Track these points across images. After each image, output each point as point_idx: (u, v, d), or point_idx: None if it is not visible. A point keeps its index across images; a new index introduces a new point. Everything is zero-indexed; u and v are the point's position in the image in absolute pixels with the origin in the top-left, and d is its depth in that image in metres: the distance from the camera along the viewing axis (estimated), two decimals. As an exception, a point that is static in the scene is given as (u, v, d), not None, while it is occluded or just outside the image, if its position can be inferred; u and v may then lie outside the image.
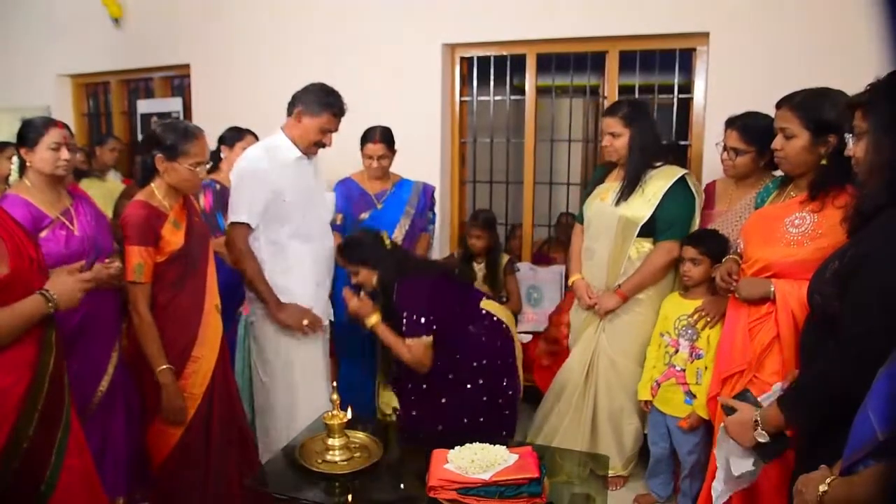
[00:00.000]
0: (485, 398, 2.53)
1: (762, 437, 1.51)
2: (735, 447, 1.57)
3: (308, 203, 2.57)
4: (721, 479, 1.67)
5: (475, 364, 2.52)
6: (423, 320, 2.44)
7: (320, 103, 2.45)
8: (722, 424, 1.63)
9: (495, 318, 2.60)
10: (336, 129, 2.54)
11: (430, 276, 2.59)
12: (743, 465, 1.57)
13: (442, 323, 2.48)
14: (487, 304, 2.66)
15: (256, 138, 3.17)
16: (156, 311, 2.16)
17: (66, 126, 2.27)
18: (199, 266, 2.27)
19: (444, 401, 2.53)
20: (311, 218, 2.59)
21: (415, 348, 2.44)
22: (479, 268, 3.52)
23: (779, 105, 1.96)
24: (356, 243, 2.58)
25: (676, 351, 2.51)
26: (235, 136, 3.19)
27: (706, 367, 2.39)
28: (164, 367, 2.15)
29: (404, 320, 2.45)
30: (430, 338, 2.46)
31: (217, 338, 2.33)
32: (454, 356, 2.51)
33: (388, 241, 2.59)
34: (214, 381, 2.29)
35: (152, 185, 2.21)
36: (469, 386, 2.52)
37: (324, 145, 2.53)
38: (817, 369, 1.47)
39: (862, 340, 1.32)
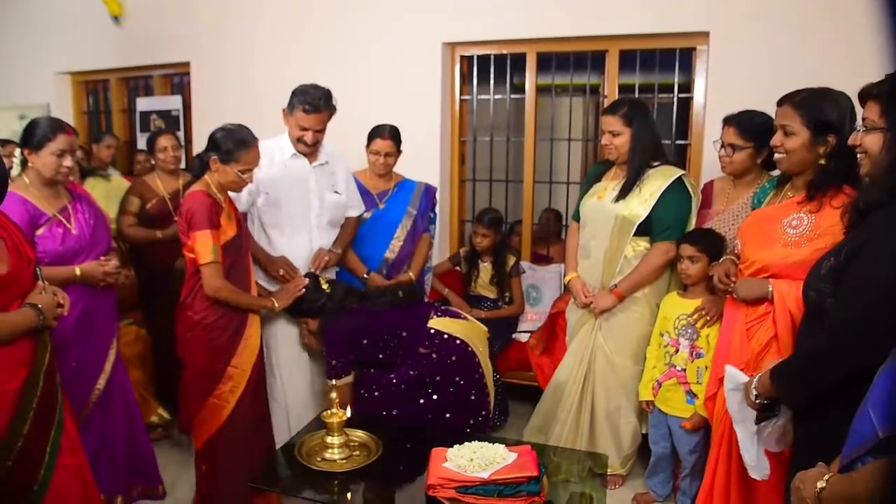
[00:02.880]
0: (448, 414, 2.57)
1: (753, 397, 1.63)
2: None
3: (293, 199, 2.65)
4: (749, 452, 1.74)
5: (438, 378, 2.56)
6: (333, 362, 2.54)
7: (294, 101, 2.58)
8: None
9: (446, 336, 2.61)
10: (316, 126, 2.58)
11: (358, 316, 2.60)
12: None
13: (383, 351, 2.57)
14: (438, 323, 2.65)
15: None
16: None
17: (74, 131, 2.27)
18: (245, 255, 2.46)
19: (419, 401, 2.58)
20: (295, 214, 2.67)
21: (338, 389, 2.54)
22: (485, 267, 3.54)
23: (780, 102, 1.96)
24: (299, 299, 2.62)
25: (677, 351, 2.51)
26: None
27: (706, 367, 2.39)
28: (267, 298, 2.49)
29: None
30: (348, 377, 2.56)
31: (258, 317, 2.48)
32: (410, 372, 2.56)
33: (325, 285, 2.63)
34: (260, 355, 2.47)
35: (207, 177, 2.34)
36: (435, 396, 2.55)
37: (306, 143, 2.61)
38: (805, 348, 1.55)
39: (848, 326, 1.35)
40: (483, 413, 2.64)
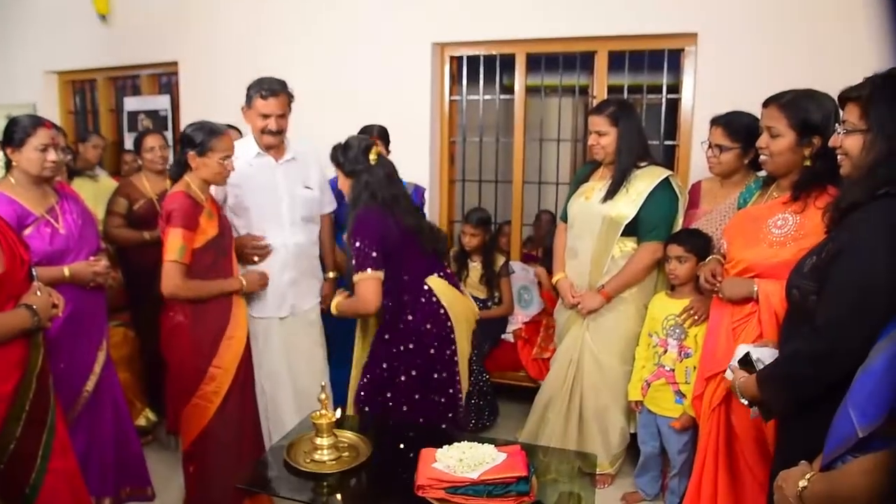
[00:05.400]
0: (417, 395, 2.44)
1: (744, 402, 1.62)
2: None
3: (264, 198, 2.65)
4: None
5: (411, 345, 2.41)
6: (374, 254, 2.31)
7: (249, 93, 2.61)
8: None
9: (434, 299, 2.43)
10: (277, 111, 2.58)
11: (386, 220, 2.38)
12: None
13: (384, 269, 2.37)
14: (434, 282, 2.47)
15: (239, 132, 3.17)
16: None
17: (54, 126, 2.26)
18: (227, 252, 2.44)
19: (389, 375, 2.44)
20: (265, 213, 2.66)
21: (363, 284, 2.32)
22: (475, 267, 3.54)
23: (766, 104, 1.98)
24: (344, 146, 2.46)
25: (665, 351, 2.53)
26: None
27: (695, 367, 2.40)
28: (235, 279, 2.42)
29: (354, 252, 2.33)
30: (381, 273, 2.33)
31: (244, 317, 2.47)
32: (385, 336, 2.43)
33: (374, 155, 2.42)
34: (246, 355, 2.44)
35: (186, 177, 2.35)
36: (406, 377, 2.42)
37: (271, 131, 2.61)
38: (790, 350, 1.54)
39: (832, 327, 1.36)
40: (453, 399, 2.50)
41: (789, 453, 1.34)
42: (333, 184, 3.01)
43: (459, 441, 1.94)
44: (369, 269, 2.31)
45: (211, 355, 2.33)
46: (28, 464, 1.69)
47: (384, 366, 2.45)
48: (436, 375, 2.45)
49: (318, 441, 2.01)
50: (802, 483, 1.13)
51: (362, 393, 2.49)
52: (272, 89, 2.56)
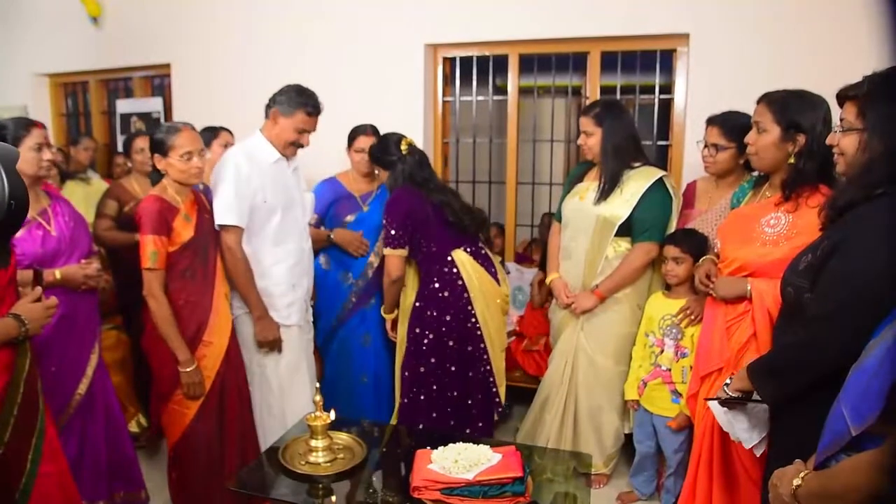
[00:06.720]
0: (454, 367, 2.69)
1: (723, 395, 1.68)
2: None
3: (286, 205, 2.58)
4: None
5: (434, 312, 2.68)
6: (392, 232, 2.67)
7: (293, 102, 2.49)
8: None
9: (455, 270, 2.71)
10: (312, 129, 2.56)
11: (421, 201, 2.71)
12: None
13: (412, 244, 2.71)
14: (460, 256, 2.72)
15: (231, 134, 3.15)
16: (169, 297, 2.29)
17: (42, 125, 2.25)
18: (209, 257, 2.39)
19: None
20: (289, 220, 2.60)
21: (388, 259, 2.71)
22: None
23: (759, 100, 2.01)
24: (379, 142, 2.85)
25: (662, 351, 2.53)
26: (210, 136, 3.14)
27: (691, 366, 2.41)
28: (189, 359, 2.28)
29: (384, 228, 2.73)
30: (403, 251, 2.69)
31: (227, 324, 2.42)
32: (416, 330, 2.72)
33: (405, 146, 2.76)
34: (228, 362, 2.40)
35: (164, 181, 2.35)
36: (432, 315, 2.71)
37: (301, 146, 2.57)
38: (782, 342, 1.57)
39: (822, 319, 1.37)
40: (486, 378, 2.79)
41: (784, 452, 1.34)
42: (317, 191, 3.02)
43: (455, 442, 1.94)
44: (388, 248, 2.71)
45: None
46: (18, 469, 1.68)
47: (417, 330, 2.73)
48: (453, 344, 2.71)
49: (313, 443, 2.01)
50: (797, 481, 1.14)
51: (406, 365, 2.76)
52: (317, 108, 2.52)
